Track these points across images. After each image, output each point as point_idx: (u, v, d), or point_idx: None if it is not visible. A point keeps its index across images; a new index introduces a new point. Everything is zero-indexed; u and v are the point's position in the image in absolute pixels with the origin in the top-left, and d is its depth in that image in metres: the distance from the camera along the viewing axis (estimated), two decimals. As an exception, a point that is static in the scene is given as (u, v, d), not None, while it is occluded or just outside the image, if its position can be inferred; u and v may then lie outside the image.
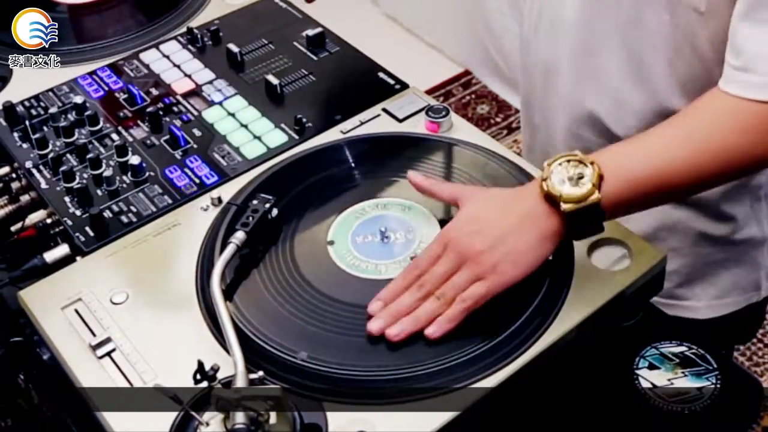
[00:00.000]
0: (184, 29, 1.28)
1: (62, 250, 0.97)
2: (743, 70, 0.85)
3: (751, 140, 0.84)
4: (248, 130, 1.10)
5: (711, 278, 1.13)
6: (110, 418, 0.79)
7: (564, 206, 0.82)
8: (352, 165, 1.05)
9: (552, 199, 0.82)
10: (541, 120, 1.18)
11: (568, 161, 0.83)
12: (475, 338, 0.82)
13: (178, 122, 1.12)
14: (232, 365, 0.78)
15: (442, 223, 0.93)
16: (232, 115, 1.13)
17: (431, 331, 0.82)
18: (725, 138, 0.84)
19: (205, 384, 0.76)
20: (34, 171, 1.06)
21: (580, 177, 0.82)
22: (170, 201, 1.01)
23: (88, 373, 0.83)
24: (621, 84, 1.03)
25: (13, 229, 1.03)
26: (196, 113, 1.13)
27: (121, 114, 1.14)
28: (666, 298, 1.12)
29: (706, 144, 0.84)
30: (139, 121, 1.12)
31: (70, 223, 0.99)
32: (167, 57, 1.24)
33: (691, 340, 0.90)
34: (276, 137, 1.08)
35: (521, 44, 1.17)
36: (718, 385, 0.86)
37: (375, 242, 0.93)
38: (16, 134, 1.11)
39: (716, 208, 1.08)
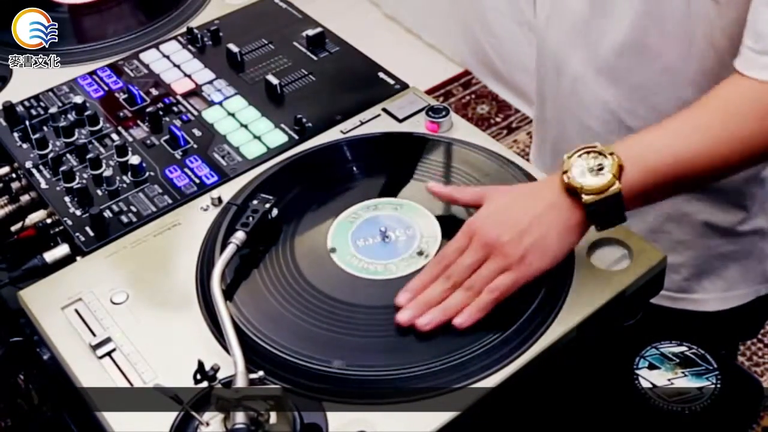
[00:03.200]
0: (184, 29, 1.28)
1: (62, 250, 0.97)
2: (764, 54, 0.85)
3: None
4: (248, 130, 1.10)
5: (719, 270, 1.13)
6: (110, 418, 0.79)
7: (585, 198, 0.83)
8: (352, 165, 1.05)
9: (573, 191, 0.84)
10: (553, 113, 1.18)
11: (588, 153, 0.84)
12: (475, 338, 0.82)
13: (178, 122, 1.12)
14: (232, 365, 0.78)
15: (440, 218, 0.94)
16: (232, 115, 1.13)
17: (460, 321, 0.83)
18: (743, 125, 0.85)
19: (205, 384, 0.76)
20: (34, 171, 1.06)
21: (600, 168, 0.83)
22: (170, 201, 1.01)
23: (88, 373, 0.83)
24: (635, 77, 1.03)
25: (13, 229, 1.03)
26: (196, 113, 1.13)
27: (121, 114, 1.14)
28: (674, 292, 1.12)
29: (725, 132, 0.85)
30: (139, 121, 1.12)
31: (70, 223, 0.99)
32: (167, 57, 1.24)
33: (695, 336, 0.90)
34: (276, 137, 1.08)
35: (536, 37, 1.17)
36: (718, 385, 0.86)
37: (377, 243, 0.93)
38: (16, 134, 1.11)
39: (724, 200, 1.08)
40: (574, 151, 0.85)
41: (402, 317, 0.84)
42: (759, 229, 1.12)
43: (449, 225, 0.94)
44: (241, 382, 0.76)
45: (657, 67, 1.01)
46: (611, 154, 0.83)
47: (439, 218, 0.95)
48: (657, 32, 0.98)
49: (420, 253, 0.91)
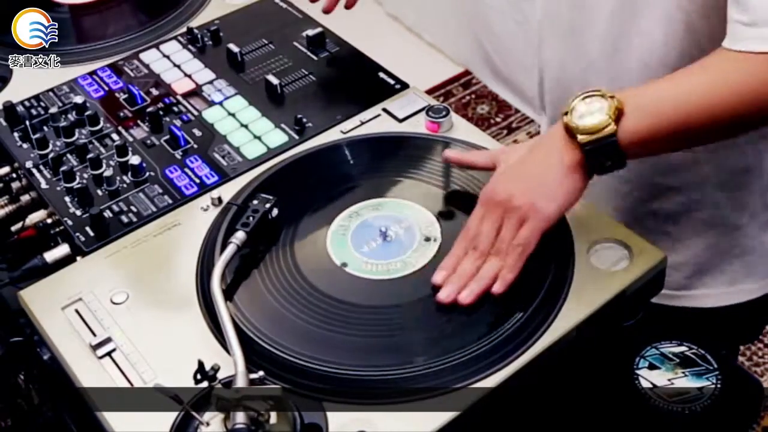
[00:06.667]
0: (184, 29, 1.28)
1: (62, 250, 0.97)
2: (753, 25, 0.84)
3: (763, 98, 0.84)
4: (248, 130, 1.10)
5: (721, 266, 1.13)
6: (110, 418, 0.79)
7: (580, 137, 0.84)
8: (353, 165, 1.05)
9: (571, 133, 0.85)
10: (555, 116, 1.18)
11: (591, 96, 0.86)
12: (475, 338, 0.82)
13: (178, 122, 1.12)
14: (232, 365, 0.78)
15: (426, 204, 0.96)
16: (233, 115, 1.13)
17: (497, 288, 0.86)
18: (739, 95, 0.85)
19: (205, 384, 0.76)
20: (34, 171, 1.06)
21: (597, 110, 0.85)
22: (170, 201, 1.01)
23: (88, 373, 0.83)
24: (608, 67, 1.03)
25: (13, 229, 1.03)
26: (196, 113, 1.13)
27: (121, 114, 1.14)
28: (675, 290, 1.12)
29: (719, 98, 0.85)
30: (139, 121, 1.12)
31: (70, 223, 0.99)
32: (167, 57, 1.24)
33: (696, 335, 0.90)
34: (276, 137, 1.08)
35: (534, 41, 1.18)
36: (718, 385, 0.86)
37: (380, 245, 0.93)
38: (16, 134, 1.11)
39: (722, 194, 1.08)
40: (578, 95, 0.87)
41: (443, 295, 0.86)
42: (758, 222, 1.11)
43: (437, 207, 0.96)
44: (241, 382, 0.76)
45: (637, 57, 1.01)
46: (611, 97, 0.85)
47: (424, 205, 0.96)
48: (635, 20, 0.98)
49: (428, 239, 0.92)
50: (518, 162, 0.90)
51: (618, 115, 0.84)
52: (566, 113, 0.86)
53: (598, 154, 0.85)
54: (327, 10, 1.18)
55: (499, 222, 0.87)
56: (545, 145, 0.89)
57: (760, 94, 0.84)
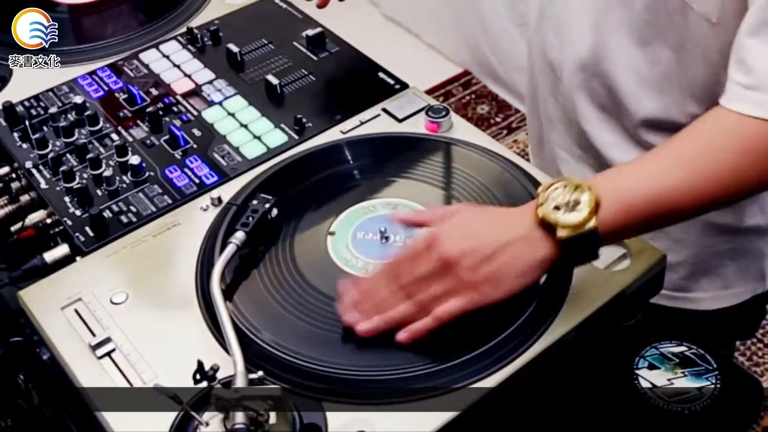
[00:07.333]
0: (184, 29, 1.28)
1: (62, 250, 0.97)
2: (753, 89, 0.82)
3: (751, 160, 0.81)
4: (248, 130, 1.10)
5: (716, 269, 1.13)
6: (110, 418, 0.79)
7: (560, 233, 0.79)
8: (352, 165, 1.05)
9: (547, 225, 0.79)
10: (544, 112, 1.18)
11: (564, 186, 0.80)
12: (475, 338, 0.82)
13: (178, 122, 1.12)
14: (231, 365, 0.78)
15: None
16: (232, 115, 1.13)
17: (402, 337, 0.81)
18: (724, 158, 0.81)
19: (204, 384, 0.76)
20: (34, 171, 1.06)
21: (576, 203, 0.79)
22: (170, 201, 1.01)
23: (88, 373, 0.83)
24: (628, 87, 1.03)
25: (13, 229, 1.03)
26: (195, 113, 1.13)
27: (121, 114, 1.14)
28: (672, 291, 1.12)
29: (705, 165, 0.81)
30: (139, 121, 1.12)
31: (70, 223, 0.99)
32: (167, 57, 1.24)
33: (693, 336, 0.90)
34: (276, 137, 1.08)
35: (528, 40, 1.18)
36: (718, 385, 0.86)
37: (374, 241, 0.93)
38: (16, 134, 1.11)
39: None
40: (550, 184, 0.81)
41: (348, 319, 0.83)
42: (755, 226, 1.12)
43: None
44: (240, 382, 0.76)
45: (651, 79, 1.00)
46: (589, 189, 0.79)
47: (424, 205, 0.95)
48: (653, 43, 0.98)
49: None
50: (484, 228, 0.83)
51: (597, 207, 0.78)
52: (540, 204, 0.80)
53: (577, 249, 0.80)
54: (321, 5, 1.18)
55: (435, 273, 0.81)
56: (517, 229, 0.81)
57: (746, 159, 0.81)
